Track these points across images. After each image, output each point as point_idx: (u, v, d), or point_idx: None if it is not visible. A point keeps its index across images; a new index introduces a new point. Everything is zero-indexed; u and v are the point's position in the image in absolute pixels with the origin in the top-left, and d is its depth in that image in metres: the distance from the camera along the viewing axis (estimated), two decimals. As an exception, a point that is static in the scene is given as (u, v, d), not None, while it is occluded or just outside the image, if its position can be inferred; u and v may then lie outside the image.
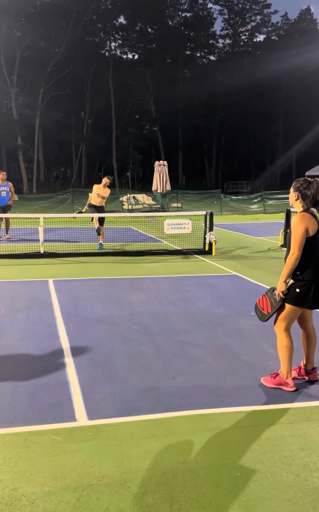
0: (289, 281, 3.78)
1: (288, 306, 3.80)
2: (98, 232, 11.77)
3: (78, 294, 7.07)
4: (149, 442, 3.10)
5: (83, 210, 12.15)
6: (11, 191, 13.49)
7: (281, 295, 3.78)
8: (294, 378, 3.97)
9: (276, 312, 3.90)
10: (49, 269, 9.17)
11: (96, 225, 11.83)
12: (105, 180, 11.87)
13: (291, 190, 3.88)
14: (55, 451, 2.98)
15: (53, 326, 5.50)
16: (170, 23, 59.79)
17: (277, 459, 2.92)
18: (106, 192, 11.91)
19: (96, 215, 11.64)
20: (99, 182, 12.04)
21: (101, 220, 11.90)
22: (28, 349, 4.73)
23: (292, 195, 3.86)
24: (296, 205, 3.86)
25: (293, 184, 3.88)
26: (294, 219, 3.77)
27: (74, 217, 12.48)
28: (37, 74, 48.40)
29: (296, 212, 3.88)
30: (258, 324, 5.60)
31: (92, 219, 11.95)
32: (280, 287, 3.78)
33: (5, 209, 13.22)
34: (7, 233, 13.53)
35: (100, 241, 11.82)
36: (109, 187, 12.13)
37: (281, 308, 3.85)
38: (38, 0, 48.26)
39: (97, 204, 11.86)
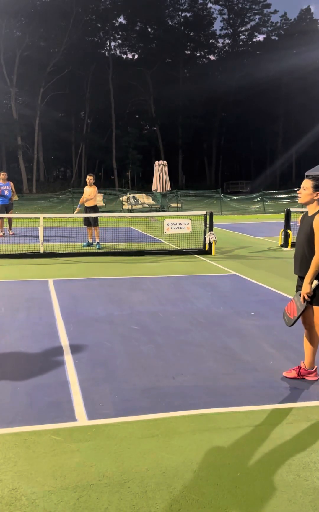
0: (313, 283, 3.74)
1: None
2: (90, 245, 11.97)
3: (78, 294, 7.07)
4: (149, 442, 3.10)
5: (76, 212, 12.27)
6: (13, 190, 14.15)
7: (306, 297, 3.75)
8: (294, 378, 3.98)
9: (302, 316, 3.89)
10: (49, 269, 9.17)
11: (90, 238, 12.07)
12: (88, 179, 12.00)
13: (310, 188, 3.77)
14: (55, 451, 2.98)
15: (53, 326, 5.50)
16: (170, 23, 59.76)
17: (277, 459, 2.92)
18: (94, 191, 12.02)
19: (87, 215, 11.78)
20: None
21: (95, 220, 11.95)
22: (28, 349, 4.73)
23: (312, 194, 3.77)
24: (314, 204, 3.81)
25: (311, 183, 3.75)
26: (317, 219, 3.71)
27: (75, 214, 12.49)
28: (37, 74, 48.39)
29: (302, 210, 3.87)
30: (258, 324, 5.61)
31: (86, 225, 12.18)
32: (305, 289, 3.73)
33: (8, 207, 13.87)
34: (10, 229, 14.17)
35: (97, 241, 11.92)
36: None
37: (308, 311, 3.83)
38: (37, 0, 48.24)
39: (88, 205, 12.00)
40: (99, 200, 12.04)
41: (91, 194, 11.92)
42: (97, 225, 12.05)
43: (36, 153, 51.35)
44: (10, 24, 45.39)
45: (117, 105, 56.20)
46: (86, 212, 11.98)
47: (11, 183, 14.19)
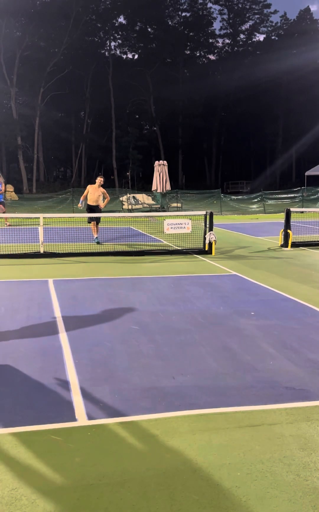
0: None
1: None
2: (98, 243, 12.29)
3: (78, 294, 7.07)
4: (149, 442, 3.10)
5: (80, 206, 12.69)
6: (3, 190, 16.41)
7: None
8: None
9: None
10: (49, 269, 9.17)
11: (95, 234, 12.37)
12: (100, 180, 12.44)
13: None
14: (55, 451, 2.98)
15: (53, 326, 5.50)
16: (170, 22, 59.75)
17: (277, 459, 2.92)
18: (102, 192, 12.50)
19: (93, 215, 12.10)
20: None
21: (97, 219, 12.42)
22: (28, 349, 4.73)
23: None
24: None
25: None
26: None
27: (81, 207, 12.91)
28: (37, 74, 48.38)
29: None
30: (258, 324, 5.61)
31: (90, 223, 12.51)
32: None
33: (2, 203, 16.33)
34: (7, 221, 15.82)
35: (95, 235, 12.37)
36: (107, 187, 12.58)
37: None
38: (37, 0, 48.21)
39: (93, 204, 12.42)
40: (105, 203, 12.54)
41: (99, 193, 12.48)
42: (98, 223, 12.61)
43: (36, 153, 51.34)
44: (10, 24, 45.36)
45: (117, 105, 56.19)
46: (90, 211, 12.42)
47: (3, 183, 16.73)
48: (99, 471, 2.78)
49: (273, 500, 2.54)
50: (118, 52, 60.54)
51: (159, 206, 25.84)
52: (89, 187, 12.51)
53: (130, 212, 24.00)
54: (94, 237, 12.36)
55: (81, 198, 12.59)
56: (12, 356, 4.56)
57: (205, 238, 11.18)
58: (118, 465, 2.85)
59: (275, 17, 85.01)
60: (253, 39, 64.33)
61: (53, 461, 2.88)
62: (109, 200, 12.93)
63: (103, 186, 12.57)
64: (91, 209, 12.37)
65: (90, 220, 12.39)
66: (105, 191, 12.59)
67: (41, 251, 10.52)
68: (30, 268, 9.16)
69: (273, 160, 60.39)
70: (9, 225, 15.36)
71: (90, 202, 12.38)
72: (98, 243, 12.24)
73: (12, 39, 46.19)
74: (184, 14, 59.88)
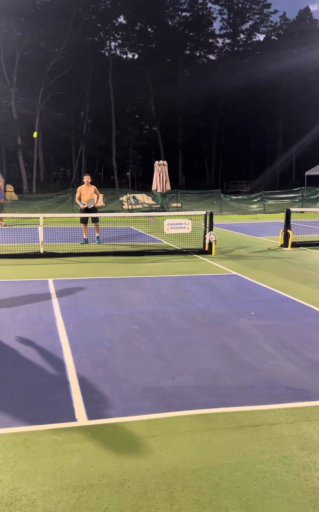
0: None
1: None
2: (99, 243, 12.46)
3: (78, 294, 7.07)
4: (149, 442, 3.10)
5: (85, 205, 12.65)
6: (1, 190, 16.52)
7: None
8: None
9: None
10: (49, 269, 9.17)
11: (85, 235, 12.51)
12: (87, 178, 12.56)
13: None
14: (55, 451, 2.98)
15: (53, 326, 5.50)
16: (170, 22, 59.75)
17: (277, 459, 2.92)
18: (93, 189, 12.60)
19: (87, 215, 12.36)
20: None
21: (94, 219, 12.60)
22: (28, 349, 4.73)
23: None
24: None
25: None
26: None
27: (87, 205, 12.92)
28: (37, 73, 48.37)
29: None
30: (258, 324, 5.61)
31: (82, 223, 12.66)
32: None
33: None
34: (2, 221, 15.85)
35: (97, 235, 12.55)
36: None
37: None
38: (37, 0, 48.21)
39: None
40: (99, 200, 12.64)
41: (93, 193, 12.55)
42: (97, 222, 12.72)
43: (36, 153, 51.32)
44: (10, 24, 45.33)
45: (117, 105, 56.19)
46: (87, 211, 12.53)
47: (1, 184, 16.82)
48: (99, 471, 2.78)
49: (273, 500, 2.54)
50: (118, 52, 60.58)
51: (159, 206, 25.84)
52: (80, 188, 12.62)
53: (130, 212, 24.00)
54: (84, 238, 12.41)
55: (77, 201, 12.68)
56: (12, 356, 4.56)
57: (205, 238, 11.18)
58: (118, 465, 2.85)
59: (275, 17, 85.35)
60: (253, 39, 64.37)
61: (53, 461, 2.88)
62: (101, 196, 13.09)
63: (103, 186, 12.67)
64: (89, 209, 12.48)
65: (83, 221, 12.51)
66: (95, 187, 12.69)
67: (41, 251, 10.53)
68: (30, 268, 9.16)
69: (273, 160, 60.38)
70: (5, 225, 15.48)
71: (85, 202, 12.52)
72: (99, 242, 12.28)
73: (12, 39, 46.17)
74: (183, 14, 59.92)
